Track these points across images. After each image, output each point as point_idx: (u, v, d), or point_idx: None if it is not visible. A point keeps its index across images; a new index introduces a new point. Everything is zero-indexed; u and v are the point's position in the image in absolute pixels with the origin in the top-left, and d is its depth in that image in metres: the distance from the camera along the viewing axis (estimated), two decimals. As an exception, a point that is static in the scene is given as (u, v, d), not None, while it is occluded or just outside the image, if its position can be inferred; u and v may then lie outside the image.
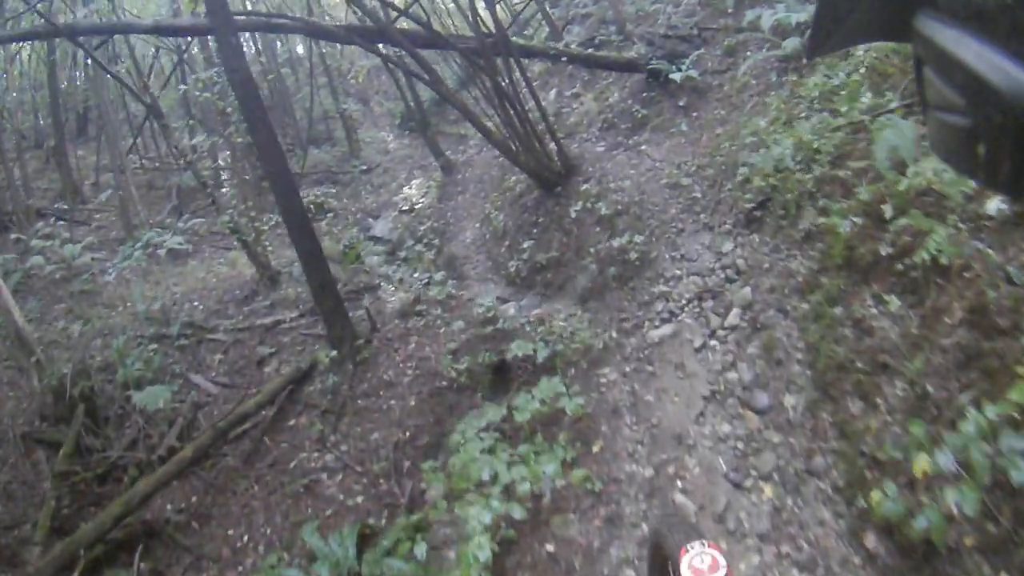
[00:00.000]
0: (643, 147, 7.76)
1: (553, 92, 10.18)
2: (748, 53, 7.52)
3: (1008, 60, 0.35)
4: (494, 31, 7.62)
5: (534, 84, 11.94)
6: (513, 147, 7.81)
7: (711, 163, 6.44)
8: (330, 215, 13.48)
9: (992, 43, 0.36)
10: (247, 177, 12.73)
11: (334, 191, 14.92)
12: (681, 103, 7.72)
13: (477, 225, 10.22)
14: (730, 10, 8.04)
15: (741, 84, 7.18)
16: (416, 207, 13.30)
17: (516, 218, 8.71)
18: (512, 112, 7.52)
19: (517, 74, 8.00)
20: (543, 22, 14.07)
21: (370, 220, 13.70)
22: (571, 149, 8.49)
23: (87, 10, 10.89)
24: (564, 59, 8.26)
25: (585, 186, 7.33)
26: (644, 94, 8.25)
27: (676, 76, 7.48)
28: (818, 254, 4.33)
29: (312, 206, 12.78)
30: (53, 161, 15.09)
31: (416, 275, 9.55)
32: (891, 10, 0.47)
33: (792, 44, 6.25)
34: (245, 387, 6.90)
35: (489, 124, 8.23)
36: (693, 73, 7.52)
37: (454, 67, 14.66)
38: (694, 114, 7.59)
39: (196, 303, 9.20)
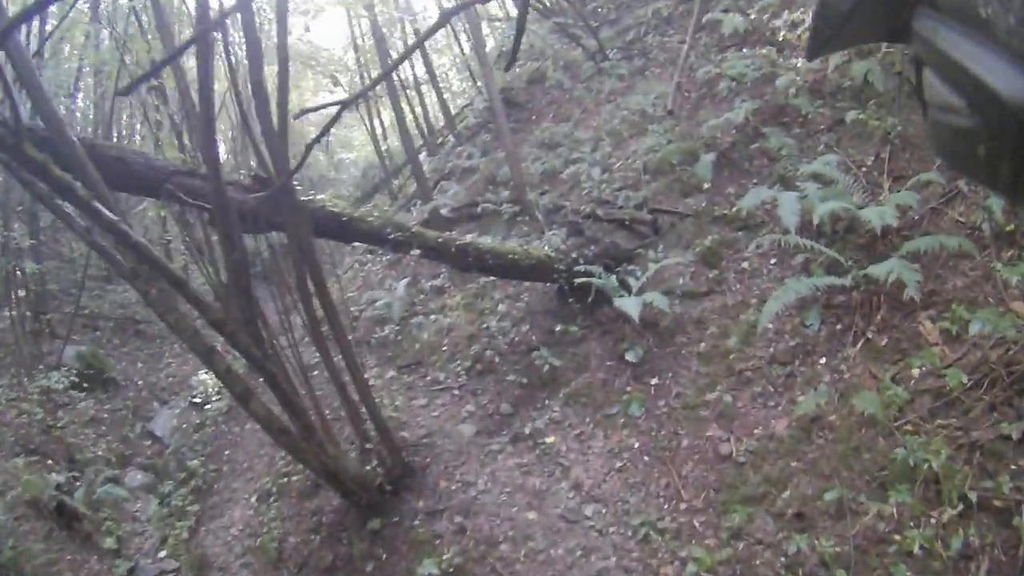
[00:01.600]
0: (550, 439, 3.90)
1: (403, 284, 6.25)
2: (744, 264, 4.20)
3: (1007, 62, 0.33)
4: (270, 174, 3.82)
5: (370, 274, 8.05)
6: (291, 429, 3.68)
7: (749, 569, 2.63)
8: (96, 396, 8.99)
9: (991, 45, 0.34)
10: None
11: (127, 350, 11.43)
12: (629, 355, 4.04)
13: (254, 501, 5.71)
14: (706, 184, 4.79)
15: (747, 331, 3.71)
16: (207, 407, 9.49)
17: (302, 538, 4.36)
18: (283, 367, 3.48)
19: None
20: (411, 176, 10.74)
21: (155, 405, 10.08)
22: (410, 417, 4.48)
23: None
24: (417, 250, 4.44)
25: (434, 544, 3.22)
26: (557, 326, 4.52)
27: (628, 305, 3.88)
28: None
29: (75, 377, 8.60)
30: None
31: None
32: (891, 12, 0.45)
33: (893, 271, 2.87)
34: None
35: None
36: (661, 302, 3.95)
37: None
38: (653, 381, 3.93)
39: None
